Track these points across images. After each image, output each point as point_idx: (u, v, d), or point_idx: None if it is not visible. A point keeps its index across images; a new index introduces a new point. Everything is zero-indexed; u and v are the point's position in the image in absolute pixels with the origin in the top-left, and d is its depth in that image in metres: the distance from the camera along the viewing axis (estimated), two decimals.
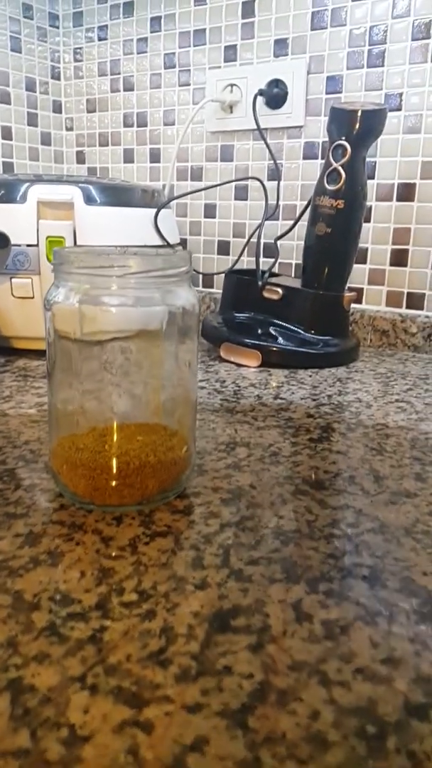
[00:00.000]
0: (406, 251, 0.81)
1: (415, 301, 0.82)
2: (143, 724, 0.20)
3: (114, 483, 0.34)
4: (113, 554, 0.30)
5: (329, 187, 0.67)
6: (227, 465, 0.42)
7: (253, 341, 0.71)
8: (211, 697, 0.21)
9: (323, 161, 0.70)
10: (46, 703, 0.21)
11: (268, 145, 0.79)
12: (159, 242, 0.73)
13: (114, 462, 0.34)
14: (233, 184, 0.92)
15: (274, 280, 0.76)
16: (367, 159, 0.78)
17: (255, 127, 0.82)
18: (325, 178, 0.68)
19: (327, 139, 0.71)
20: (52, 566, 0.29)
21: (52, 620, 0.25)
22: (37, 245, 0.65)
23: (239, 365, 0.71)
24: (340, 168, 0.66)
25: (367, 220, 0.82)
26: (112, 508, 0.35)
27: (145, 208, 0.73)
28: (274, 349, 0.71)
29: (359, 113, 0.65)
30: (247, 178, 0.79)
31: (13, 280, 0.66)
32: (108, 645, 0.24)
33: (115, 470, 0.34)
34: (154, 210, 0.74)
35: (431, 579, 0.29)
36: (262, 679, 0.22)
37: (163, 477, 0.35)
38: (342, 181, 0.66)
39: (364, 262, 0.84)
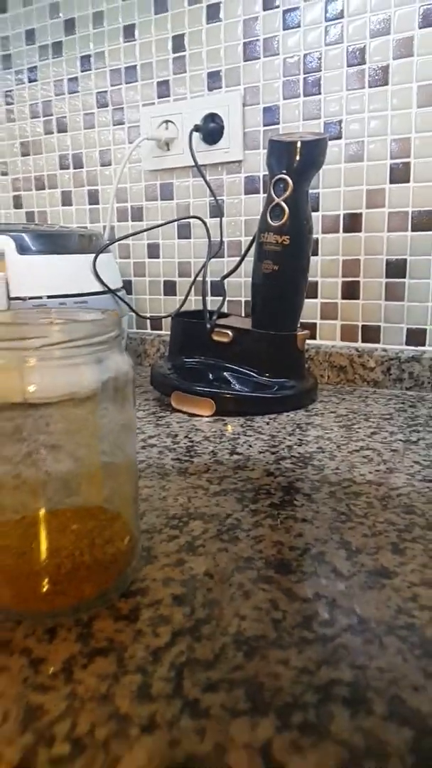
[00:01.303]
0: (357, 283, 0.79)
1: (370, 334, 0.79)
2: None
3: (44, 590, 0.29)
4: (43, 684, 0.25)
5: (273, 224, 0.64)
6: (179, 547, 0.37)
7: (204, 389, 0.66)
8: None
9: (265, 195, 0.67)
10: None
11: (207, 182, 0.76)
12: (99, 288, 0.69)
13: (42, 568, 0.29)
14: (175, 223, 0.89)
15: (223, 321, 0.72)
16: (312, 191, 0.76)
17: (193, 163, 0.79)
18: (268, 214, 0.65)
19: (267, 172, 0.68)
20: None
21: None
22: None
23: (192, 415, 0.66)
24: (282, 203, 0.63)
25: (315, 253, 0.79)
26: (42, 616, 0.29)
27: (83, 254, 0.68)
28: (228, 395, 0.66)
29: (298, 144, 0.63)
30: (187, 218, 0.76)
31: None
32: None
33: (44, 576, 0.29)
34: (92, 255, 0.69)
35: (424, 697, 0.24)
36: None
37: (102, 579, 0.30)
38: (286, 217, 0.63)
39: (316, 296, 0.81)
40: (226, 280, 0.84)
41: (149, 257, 0.93)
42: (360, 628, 0.29)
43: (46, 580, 0.29)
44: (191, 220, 0.87)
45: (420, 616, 0.30)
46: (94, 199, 0.97)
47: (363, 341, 0.80)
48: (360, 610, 0.30)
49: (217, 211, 0.85)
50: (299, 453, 0.54)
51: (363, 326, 0.79)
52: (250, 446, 0.56)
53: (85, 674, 0.26)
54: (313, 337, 0.83)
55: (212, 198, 0.85)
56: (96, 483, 0.32)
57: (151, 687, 0.25)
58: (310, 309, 0.82)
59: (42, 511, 0.30)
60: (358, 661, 0.26)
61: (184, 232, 0.89)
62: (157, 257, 0.92)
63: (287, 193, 0.63)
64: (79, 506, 0.31)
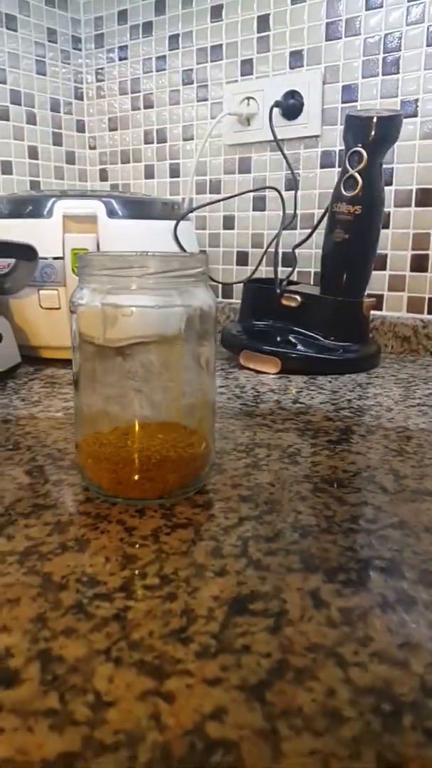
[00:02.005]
0: (426, 256, 0.82)
1: None
2: (165, 694, 0.21)
3: (136, 477, 0.35)
4: (136, 543, 0.31)
5: (346, 194, 0.68)
6: (246, 465, 0.42)
7: (272, 348, 0.72)
8: (231, 673, 0.22)
9: (340, 169, 0.71)
10: (74, 672, 0.22)
11: (285, 155, 0.80)
12: (179, 252, 0.75)
13: (136, 456, 0.35)
14: (251, 195, 0.94)
15: (292, 288, 0.77)
16: (385, 165, 0.79)
17: (272, 138, 0.83)
18: (342, 184, 0.69)
19: (343, 147, 0.72)
20: (79, 552, 0.30)
21: (79, 599, 0.26)
22: (63, 258, 0.67)
23: (258, 372, 0.72)
24: (356, 174, 0.67)
25: (386, 226, 0.83)
26: (134, 501, 0.36)
27: (166, 220, 0.75)
28: (294, 355, 0.71)
29: (374, 120, 0.66)
30: (263, 188, 0.81)
31: (41, 291, 0.68)
32: (131, 623, 0.25)
33: (137, 464, 0.35)
34: (174, 222, 0.75)
35: None
36: (280, 658, 0.23)
37: (183, 472, 0.36)
38: (359, 188, 0.67)
39: (384, 269, 0.85)
40: (297, 251, 0.88)
41: (224, 228, 0.98)
42: (400, 526, 0.34)
43: (138, 468, 0.35)
44: (266, 193, 0.92)
45: None
46: (175, 172, 1.03)
47: (429, 313, 0.83)
48: (402, 514, 0.35)
49: (292, 184, 0.89)
50: (358, 405, 0.58)
51: (430, 298, 0.82)
52: (312, 398, 0.61)
53: (169, 538, 0.32)
54: (379, 307, 0.86)
55: (288, 171, 0.89)
56: (179, 406, 0.38)
57: (222, 549, 0.31)
58: (378, 281, 0.85)
59: (136, 423, 0.37)
60: (396, 546, 0.31)
61: (259, 205, 0.94)
62: (232, 228, 0.97)
63: (361, 165, 0.67)
64: (163, 421, 0.38)
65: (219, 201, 0.80)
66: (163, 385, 0.37)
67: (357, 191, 0.68)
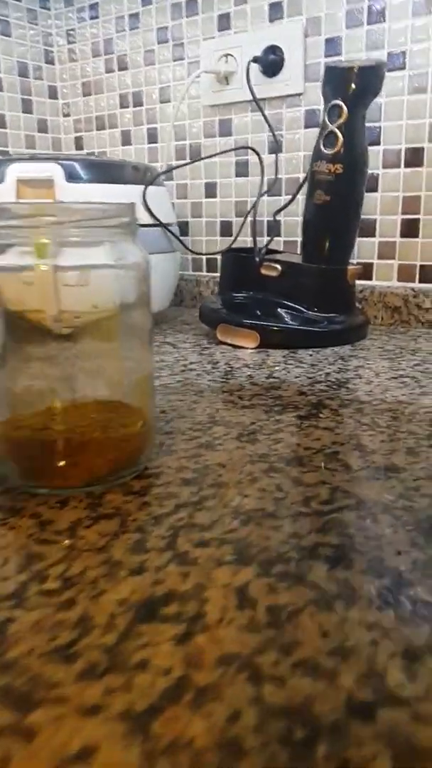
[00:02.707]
0: (417, 221, 0.76)
1: (428, 274, 0.77)
2: (25, 730, 0.17)
3: (58, 463, 0.31)
4: (47, 539, 0.27)
5: (326, 152, 0.63)
6: (199, 444, 0.38)
7: (251, 321, 0.67)
8: (115, 697, 0.18)
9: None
10: None
11: (264, 115, 0.75)
12: (150, 221, 0.70)
13: (58, 439, 0.31)
14: (233, 160, 0.88)
15: (273, 256, 0.72)
16: (372, 124, 0.74)
17: (252, 98, 0.78)
18: (321, 142, 0.63)
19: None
20: None
21: None
22: None
23: (236, 347, 0.67)
24: (336, 130, 0.62)
25: (374, 190, 0.77)
26: (60, 490, 0.31)
27: (136, 185, 0.70)
28: (274, 328, 0.67)
29: (354, 70, 0.61)
30: (240, 148, 0.75)
31: None
32: (12, 638, 0.21)
33: (59, 448, 0.31)
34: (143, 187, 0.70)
35: (404, 558, 0.25)
36: (181, 675, 0.19)
37: (113, 455, 0.32)
38: (339, 144, 0.62)
39: (373, 235, 0.79)
40: (281, 218, 0.83)
41: (206, 197, 0.93)
42: (357, 508, 0.29)
43: (61, 452, 0.31)
44: (249, 158, 0.86)
45: (420, 501, 0.30)
46: (153, 138, 0.97)
47: (420, 282, 0.77)
48: (361, 493, 0.31)
49: (274, 146, 0.84)
50: (336, 378, 0.53)
51: (421, 266, 0.77)
52: (288, 372, 0.56)
53: (88, 532, 0.28)
54: (368, 277, 0.81)
55: (270, 133, 0.83)
56: (119, 379, 0.33)
57: (146, 542, 0.27)
58: (367, 248, 0.80)
59: (58, 403, 0.32)
60: (348, 530, 0.27)
61: (242, 170, 0.89)
62: (214, 197, 0.92)
63: (342, 119, 0.62)
64: (102, 399, 0.33)
65: (190, 164, 0.75)
66: (98, 359, 0.33)
67: (337, 148, 0.62)
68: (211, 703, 0.18)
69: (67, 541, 0.27)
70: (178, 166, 0.76)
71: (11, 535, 0.27)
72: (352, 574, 0.24)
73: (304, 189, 0.69)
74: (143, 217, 0.70)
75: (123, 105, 1.00)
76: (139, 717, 0.17)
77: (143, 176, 0.72)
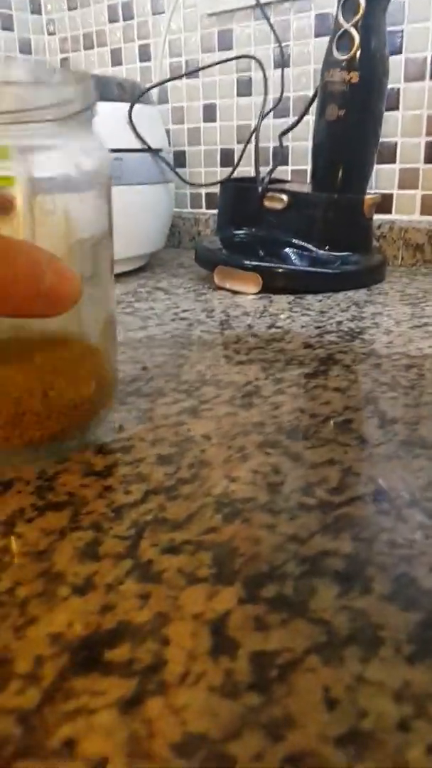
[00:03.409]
0: None
1: None
2: None
3: None
4: None
5: (340, 57, 0.54)
6: (182, 410, 0.31)
7: (252, 262, 0.59)
8: None
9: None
10: None
11: (270, 23, 0.64)
12: (138, 146, 0.62)
13: None
14: (234, 78, 0.78)
15: (279, 186, 0.64)
16: (393, 28, 0.64)
17: (255, 2, 0.67)
18: (334, 45, 0.54)
19: None
20: None
21: None
22: None
23: (236, 293, 0.59)
24: (351, 29, 0.52)
25: (395, 107, 0.68)
26: None
27: (121, 103, 0.61)
28: (279, 270, 0.59)
29: None
30: (241, 57, 0.66)
31: None
32: None
33: None
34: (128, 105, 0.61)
35: None
36: None
37: (56, 426, 0.25)
38: (355, 47, 0.52)
39: (393, 161, 0.70)
40: (290, 144, 0.73)
41: (205, 121, 0.83)
42: (375, 498, 0.23)
43: None
44: (252, 75, 0.76)
45: None
46: (145, 55, 0.87)
47: None
48: (381, 478, 0.24)
49: (280, 60, 0.74)
50: (349, 327, 0.46)
51: None
52: (293, 321, 0.49)
53: (28, 528, 0.22)
54: (387, 210, 0.72)
55: (276, 45, 0.73)
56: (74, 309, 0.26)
57: (100, 545, 0.20)
58: (387, 176, 0.71)
59: (4, 333, 0.25)
60: (364, 533, 0.21)
61: (244, 89, 0.79)
62: (214, 120, 0.82)
63: (358, 16, 0.52)
64: (50, 332, 0.26)
65: (183, 77, 0.65)
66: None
67: (353, 52, 0.53)
68: None
69: (1, 541, 0.21)
70: (169, 80, 0.67)
71: None
72: (371, 603, 0.17)
73: (314, 107, 0.59)
74: (129, 142, 0.61)
75: (112, 19, 0.89)
76: None
77: (130, 94, 0.63)
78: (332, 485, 0.24)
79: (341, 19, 0.53)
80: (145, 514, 0.22)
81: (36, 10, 0.95)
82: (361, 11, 0.51)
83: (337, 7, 0.54)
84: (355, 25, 0.52)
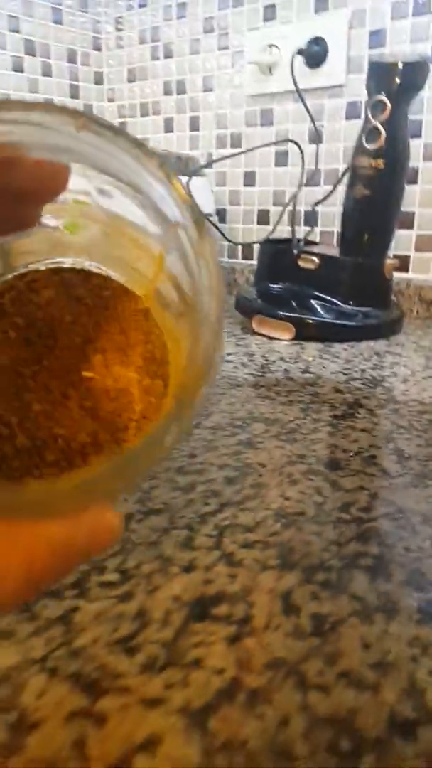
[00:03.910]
0: None
1: None
2: (96, 714, 0.19)
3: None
4: None
5: (368, 147, 0.63)
6: (239, 441, 0.39)
7: (286, 313, 0.68)
8: (174, 692, 0.20)
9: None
10: (2, 683, 0.20)
11: (306, 106, 0.74)
12: None
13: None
14: (272, 149, 0.88)
15: (311, 248, 0.72)
16: (413, 116, 0.73)
17: (294, 88, 0.77)
18: (364, 136, 0.63)
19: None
20: None
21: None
22: None
23: (271, 338, 0.68)
24: (379, 125, 0.61)
25: (414, 182, 0.77)
26: None
27: (179, 176, 0.70)
28: (309, 321, 0.67)
29: (399, 66, 0.60)
30: (281, 141, 0.75)
31: None
32: (77, 627, 0.22)
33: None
34: (187, 178, 0.71)
35: None
36: (234, 676, 0.20)
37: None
38: (382, 140, 0.62)
39: (411, 228, 0.79)
40: (319, 209, 0.83)
41: (245, 185, 0.93)
42: (396, 516, 0.30)
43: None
44: (288, 148, 0.86)
45: None
46: (195, 125, 0.97)
47: None
48: (400, 502, 0.32)
49: (315, 136, 0.83)
50: (372, 376, 0.54)
51: None
52: (324, 367, 0.57)
53: (140, 526, 0.29)
54: (405, 269, 0.81)
55: (312, 124, 0.83)
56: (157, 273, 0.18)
57: (194, 540, 0.28)
58: (404, 241, 0.80)
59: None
60: (388, 541, 0.28)
61: (282, 160, 0.88)
62: (253, 185, 0.92)
63: (384, 115, 0.62)
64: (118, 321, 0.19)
65: (235, 155, 0.75)
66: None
67: (380, 143, 0.62)
68: (262, 705, 0.19)
69: (122, 534, 0.28)
70: (220, 159, 0.76)
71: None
72: (392, 587, 0.25)
73: (344, 181, 0.69)
74: None
75: (167, 92, 1.00)
76: (197, 713, 0.19)
77: (185, 166, 0.72)
78: (362, 505, 0.31)
79: (370, 116, 0.62)
80: (223, 520, 0.30)
81: (99, 81, 1.07)
82: (388, 111, 0.61)
83: (367, 106, 0.63)
84: (381, 122, 0.61)
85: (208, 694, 0.20)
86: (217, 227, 0.79)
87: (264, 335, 0.69)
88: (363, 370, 0.56)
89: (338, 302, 0.69)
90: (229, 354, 0.61)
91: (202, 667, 0.21)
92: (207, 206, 0.75)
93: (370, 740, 0.18)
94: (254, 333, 0.70)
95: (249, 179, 0.92)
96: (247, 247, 0.95)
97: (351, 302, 0.69)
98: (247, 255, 0.96)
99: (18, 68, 0.95)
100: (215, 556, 0.27)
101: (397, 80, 0.61)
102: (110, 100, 1.09)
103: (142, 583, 0.25)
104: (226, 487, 0.33)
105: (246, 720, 0.19)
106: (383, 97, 0.62)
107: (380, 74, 0.62)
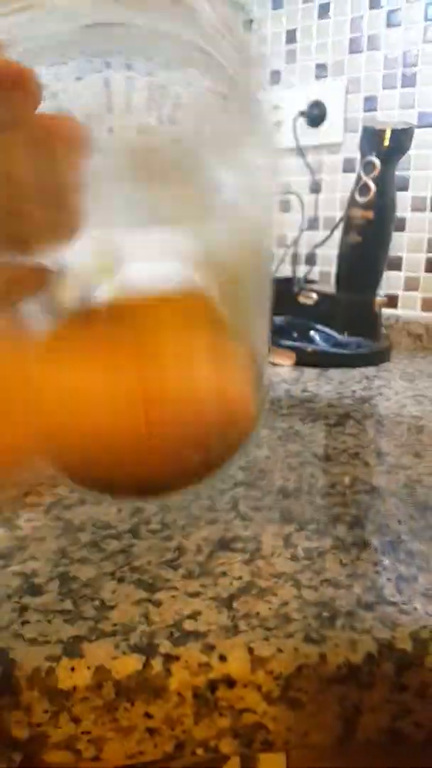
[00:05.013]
0: None
1: None
2: (155, 601, 0.27)
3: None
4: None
5: (360, 200, 0.73)
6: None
7: (288, 342, 0.77)
8: (208, 589, 0.28)
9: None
10: (85, 586, 0.28)
11: (307, 163, 0.85)
12: None
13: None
14: (276, 198, 0.99)
15: (310, 286, 0.82)
16: (402, 172, 0.84)
17: (296, 145, 0.88)
18: (356, 191, 0.74)
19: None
20: (95, 505, 0.37)
21: (94, 538, 0.33)
22: None
23: (275, 364, 0.77)
24: (370, 182, 0.72)
25: (402, 229, 0.87)
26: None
27: None
28: (309, 349, 0.77)
29: (388, 132, 0.71)
30: (284, 193, 0.86)
31: None
32: (134, 555, 0.31)
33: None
34: None
35: (404, 526, 0.35)
36: (249, 581, 0.29)
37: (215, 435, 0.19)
38: (372, 194, 0.72)
39: (399, 269, 0.89)
40: (318, 252, 0.93)
41: None
42: (372, 492, 0.39)
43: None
44: (291, 196, 0.97)
45: (419, 489, 0.39)
46: None
47: None
48: (375, 483, 0.40)
49: (314, 187, 0.94)
50: (361, 395, 0.63)
51: None
52: (320, 388, 0.66)
53: (173, 498, 0.38)
54: (394, 306, 0.90)
55: (311, 176, 0.94)
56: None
57: (216, 505, 0.37)
58: (394, 281, 0.90)
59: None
60: (363, 506, 0.37)
61: (284, 207, 0.99)
62: None
63: (375, 173, 0.72)
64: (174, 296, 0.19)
65: None
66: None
67: (370, 198, 0.72)
68: (270, 596, 0.28)
69: (159, 502, 0.37)
70: None
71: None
72: (364, 533, 0.34)
73: (340, 227, 0.79)
74: None
75: None
76: (224, 600, 0.27)
77: None
78: (346, 484, 0.40)
79: (362, 174, 0.73)
80: (237, 494, 0.39)
81: None
82: (377, 170, 0.71)
83: (360, 164, 0.74)
84: (372, 179, 0.72)
85: (231, 590, 0.28)
86: None
87: (269, 362, 0.78)
88: (354, 391, 0.65)
89: (334, 333, 0.78)
90: None
91: (227, 575, 0.29)
92: None
93: (343, 612, 0.27)
94: None
95: None
96: None
97: (345, 333, 0.78)
98: None
99: None
100: (232, 515, 0.36)
101: (386, 144, 0.72)
102: None
103: (179, 530, 0.34)
104: (239, 472, 0.42)
105: (258, 603, 0.27)
106: (374, 158, 0.72)
107: (371, 138, 0.73)
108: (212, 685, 0.22)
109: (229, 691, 0.22)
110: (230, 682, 0.22)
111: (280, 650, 0.23)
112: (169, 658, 0.23)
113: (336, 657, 0.23)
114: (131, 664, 0.22)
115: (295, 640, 0.24)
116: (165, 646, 0.23)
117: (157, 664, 0.22)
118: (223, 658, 0.23)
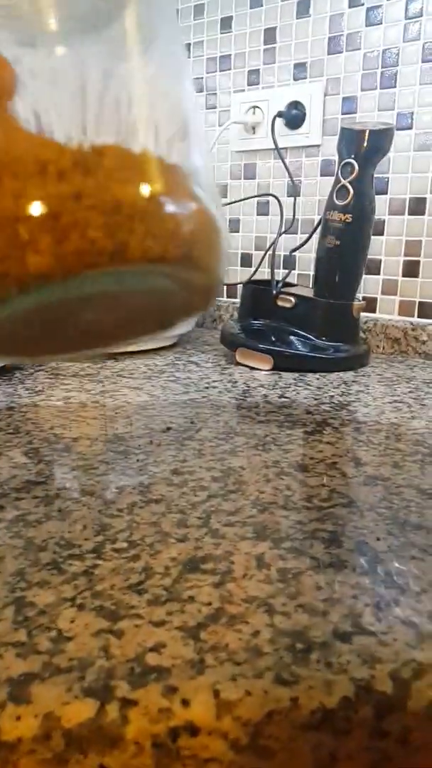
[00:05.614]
0: (417, 262, 0.85)
1: (426, 310, 0.85)
2: (116, 631, 0.25)
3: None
4: (113, 513, 0.35)
5: (338, 203, 0.72)
6: (223, 450, 0.47)
7: (266, 346, 0.76)
8: (174, 617, 0.26)
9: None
10: (42, 614, 0.26)
11: (285, 164, 0.84)
12: None
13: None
14: (255, 200, 0.97)
15: (288, 289, 0.81)
16: (380, 175, 0.83)
17: (275, 148, 0.87)
18: (334, 194, 0.72)
19: None
20: (60, 521, 0.34)
21: (55, 558, 0.31)
22: None
23: (253, 369, 0.75)
24: (348, 184, 0.71)
25: (380, 233, 0.86)
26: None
27: None
28: (287, 353, 0.75)
29: (366, 133, 0.70)
30: (263, 195, 0.84)
31: None
32: (97, 577, 0.29)
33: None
34: None
35: (382, 543, 0.33)
36: (218, 607, 0.27)
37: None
38: (350, 197, 0.71)
39: (378, 273, 0.88)
40: (296, 254, 0.92)
41: (230, 231, 1.02)
42: (349, 505, 0.37)
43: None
44: (269, 199, 0.96)
45: (398, 503, 0.38)
46: None
47: (419, 316, 0.86)
48: (353, 495, 0.39)
49: (293, 190, 0.93)
50: (339, 401, 0.62)
51: (420, 302, 0.86)
52: (298, 393, 0.64)
53: (142, 511, 0.36)
54: (372, 310, 0.89)
55: (290, 179, 0.93)
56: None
57: (187, 521, 0.35)
58: (372, 284, 0.89)
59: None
60: (340, 522, 0.35)
61: (263, 210, 0.98)
62: (237, 231, 1.01)
63: (353, 176, 0.71)
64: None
65: (223, 206, 0.84)
66: None
67: (348, 200, 0.71)
68: (240, 624, 0.26)
69: (128, 517, 0.35)
70: None
71: (85, 510, 0.36)
72: (342, 552, 0.32)
73: (318, 230, 0.78)
74: None
75: None
76: (191, 629, 0.25)
77: None
78: (323, 497, 0.39)
79: (340, 176, 0.71)
80: (210, 507, 0.37)
81: None
82: (356, 173, 0.70)
83: (338, 166, 0.72)
84: (350, 182, 0.71)
85: (199, 617, 0.26)
86: None
87: (246, 365, 0.76)
88: (332, 396, 0.64)
89: (312, 337, 0.77)
90: (214, 381, 0.68)
91: (195, 601, 0.27)
92: None
93: (317, 643, 0.25)
94: (237, 364, 0.77)
95: (234, 226, 1.02)
96: (232, 287, 1.03)
97: (323, 338, 0.77)
98: (231, 294, 1.04)
99: None
100: (203, 531, 0.34)
101: (365, 145, 0.71)
102: None
103: (146, 549, 0.32)
104: (213, 483, 0.40)
105: (228, 633, 0.25)
106: (352, 160, 0.71)
107: (350, 139, 0.72)
108: (174, 733, 0.20)
109: (192, 740, 0.20)
110: (193, 730, 0.20)
111: (248, 693, 0.21)
112: (126, 703, 0.21)
113: (309, 701, 0.21)
114: (84, 710, 0.20)
115: (265, 680, 0.22)
116: (122, 689, 0.21)
117: (112, 710, 0.20)
118: (186, 702, 0.21)
